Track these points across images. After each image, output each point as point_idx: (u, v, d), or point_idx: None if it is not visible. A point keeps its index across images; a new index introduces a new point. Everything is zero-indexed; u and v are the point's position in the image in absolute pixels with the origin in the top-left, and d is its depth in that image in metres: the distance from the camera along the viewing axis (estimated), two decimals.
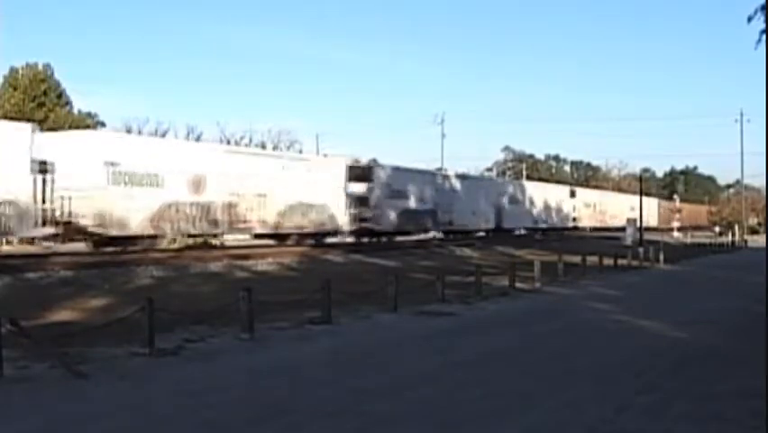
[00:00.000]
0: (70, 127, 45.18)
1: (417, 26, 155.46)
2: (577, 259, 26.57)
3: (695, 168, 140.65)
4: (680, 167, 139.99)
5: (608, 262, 28.41)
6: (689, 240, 59.16)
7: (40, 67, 57.05)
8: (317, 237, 34.60)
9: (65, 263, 20.37)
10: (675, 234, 64.01)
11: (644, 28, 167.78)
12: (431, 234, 43.78)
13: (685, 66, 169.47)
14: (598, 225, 67.67)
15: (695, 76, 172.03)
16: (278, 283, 19.23)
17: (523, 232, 54.62)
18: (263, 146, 63.76)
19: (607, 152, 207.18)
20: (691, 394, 8.36)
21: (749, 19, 11.69)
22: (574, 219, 62.75)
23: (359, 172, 37.46)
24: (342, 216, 35.74)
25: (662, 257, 34.37)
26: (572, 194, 64.23)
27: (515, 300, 18.52)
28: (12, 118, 37.62)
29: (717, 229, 69.43)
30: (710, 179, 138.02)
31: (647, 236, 46.01)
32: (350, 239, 37.18)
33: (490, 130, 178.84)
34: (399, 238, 39.84)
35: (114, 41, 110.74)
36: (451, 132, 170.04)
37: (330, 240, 35.58)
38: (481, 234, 47.69)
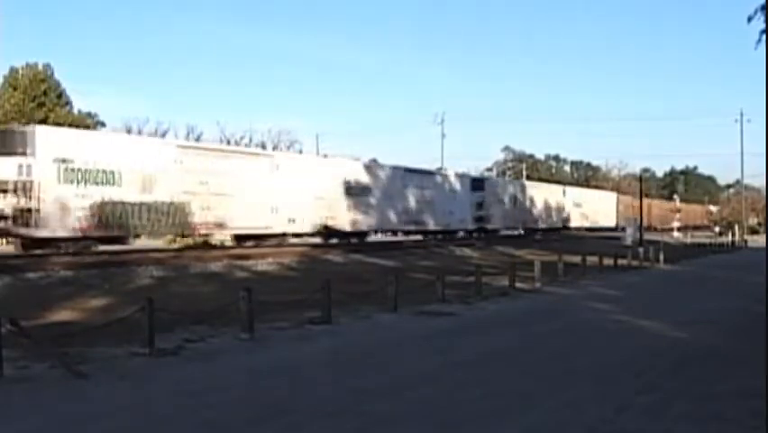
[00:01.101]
0: (71, 127, 45.09)
1: (417, 26, 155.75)
2: (577, 259, 26.59)
3: (695, 168, 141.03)
4: (680, 167, 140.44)
5: (607, 262, 28.43)
6: (689, 240, 59.20)
7: (40, 67, 57.12)
8: None
9: (65, 263, 20.36)
10: (675, 234, 64.06)
11: (645, 28, 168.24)
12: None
13: (685, 66, 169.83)
14: (512, 223, 53.41)
15: (695, 76, 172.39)
16: (278, 283, 19.23)
17: (407, 237, 40.60)
18: (263, 146, 63.57)
19: (607, 152, 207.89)
20: (691, 394, 8.36)
21: (749, 19, 11.72)
22: (480, 219, 48.13)
23: (5, 141, 23.59)
24: None
25: (662, 257, 34.41)
26: (476, 187, 47.91)
27: (515, 300, 18.52)
28: (12, 118, 37.73)
29: (717, 229, 69.60)
30: (710, 179, 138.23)
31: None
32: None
33: (490, 130, 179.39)
34: (106, 248, 24.92)
35: (114, 41, 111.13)
36: (451, 132, 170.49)
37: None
38: (294, 240, 33.21)
